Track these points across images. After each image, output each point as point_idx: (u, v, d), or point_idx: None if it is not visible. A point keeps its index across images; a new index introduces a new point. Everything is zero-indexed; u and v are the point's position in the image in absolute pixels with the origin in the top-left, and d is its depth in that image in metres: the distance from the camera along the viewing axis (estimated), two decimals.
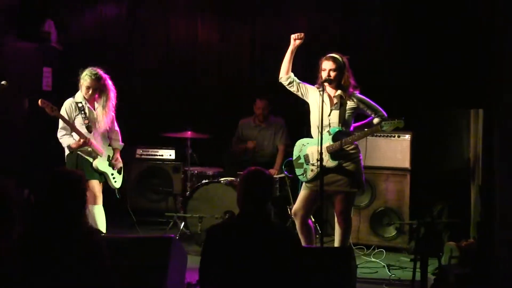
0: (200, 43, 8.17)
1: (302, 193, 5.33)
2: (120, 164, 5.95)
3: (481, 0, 5.73)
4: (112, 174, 5.85)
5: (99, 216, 5.73)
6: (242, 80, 8.09)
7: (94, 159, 5.70)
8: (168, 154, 7.69)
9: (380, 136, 6.42)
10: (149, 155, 7.74)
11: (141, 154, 7.75)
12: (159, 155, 7.73)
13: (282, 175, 6.82)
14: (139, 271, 4.01)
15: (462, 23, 6.77)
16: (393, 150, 6.47)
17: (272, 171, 6.93)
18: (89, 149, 5.66)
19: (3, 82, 5.49)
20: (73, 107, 5.68)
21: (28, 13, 7.50)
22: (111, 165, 5.85)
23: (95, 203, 5.69)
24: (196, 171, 7.08)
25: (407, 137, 6.43)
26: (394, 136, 6.42)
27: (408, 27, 7.17)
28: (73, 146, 5.58)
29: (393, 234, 6.47)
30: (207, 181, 6.70)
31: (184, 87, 8.24)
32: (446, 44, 6.87)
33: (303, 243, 5.34)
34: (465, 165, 6.34)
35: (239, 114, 7.60)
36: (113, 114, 5.88)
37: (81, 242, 3.06)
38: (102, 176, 5.79)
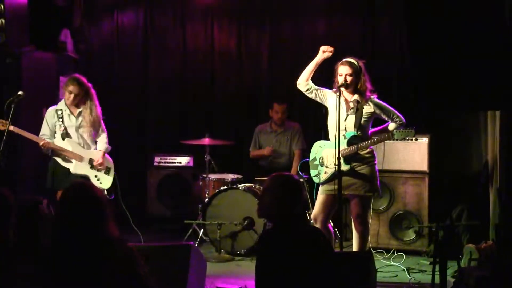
0: (217, 50, 8.20)
1: (320, 197, 5.34)
2: (104, 166, 5.98)
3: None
4: (96, 176, 5.91)
5: None
6: (260, 86, 8.10)
7: (71, 164, 5.81)
8: (186, 161, 7.72)
9: (398, 139, 6.41)
10: (168, 162, 7.78)
11: (159, 162, 7.79)
12: (178, 163, 7.76)
13: (300, 180, 6.82)
14: (159, 279, 4.03)
15: (479, 23, 6.75)
16: (411, 153, 6.45)
17: None
18: (64, 154, 5.78)
19: (20, 93, 5.55)
20: (52, 114, 5.88)
21: (44, 23, 7.59)
22: (94, 167, 5.91)
23: None
24: (214, 178, 7.10)
25: (425, 140, 6.40)
26: (412, 139, 6.39)
27: (422, 26, 7.15)
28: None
29: (413, 237, 6.44)
30: (225, 187, 6.72)
31: (201, 94, 8.27)
32: (464, 45, 6.84)
33: None
34: (483, 167, 6.31)
35: (257, 120, 7.63)
36: (102, 118, 6.04)
37: (114, 255, 2.98)
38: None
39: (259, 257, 3.42)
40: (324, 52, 5.34)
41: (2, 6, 6.60)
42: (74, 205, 3.04)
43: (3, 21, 6.62)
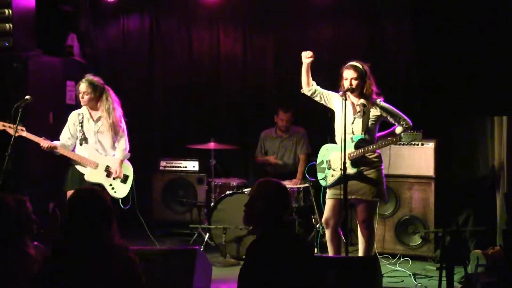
0: (223, 54, 8.20)
1: (329, 202, 5.33)
2: (121, 176, 5.86)
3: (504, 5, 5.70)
4: (111, 185, 5.80)
5: None
6: (266, 91, 8.09)
7: (86, 170, 5.76)
8: (192, 165, 7.72)
9: (402, 144, 6.39)
10: (173, 167, 7.78)
11: (165, 166, 7.79)
12: (183, 167, 7.76)
13: (306, 184, 6.82)
14: (164, 283, 4.03)
15: (487, 28, 6.74)
16: (417, 158, 6.43)
17: (295, 180, 6.94)
18: (78, 160, 5.72)
19: (27, 97, 5.56)
20: (74, 118, 5.83)
21: (51, 28, 7.62)
22: (109, 175, 5.82)
23: None
24: (220, 182, 7.10)
25: (431, 145, 6.38)
26: (418, 144, 6.37)
27: (429, 32, 7.15)
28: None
29: (419, 242, 6.42)
30: (231, 192, 6.72)
31: (207, 98, 8.27)
32: (470, 50, 6.84)
33: (331, 253, 5.35)
34: (490, 172, 6.29)
35: (263, 125, 7.62)
36: (123, 124, 5.92)
37: (113, 262, 2.98)
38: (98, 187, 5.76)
39: (244, 266, 3.39)
40: (307, 58, 5.31)
41: (10, 11, 6.64)
42: (77, 209, 3.06)
43: (11, 25, 6.66)
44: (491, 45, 6.76)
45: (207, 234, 6.74)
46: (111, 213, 3.12)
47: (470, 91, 6.81)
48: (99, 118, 5.81)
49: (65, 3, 7.90)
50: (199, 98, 8.28)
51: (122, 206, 5.85)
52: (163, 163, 7.80)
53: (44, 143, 5.64)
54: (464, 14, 6.83)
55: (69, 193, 5.72)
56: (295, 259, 3.28)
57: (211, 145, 7.05)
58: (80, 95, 5.76)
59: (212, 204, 6.79)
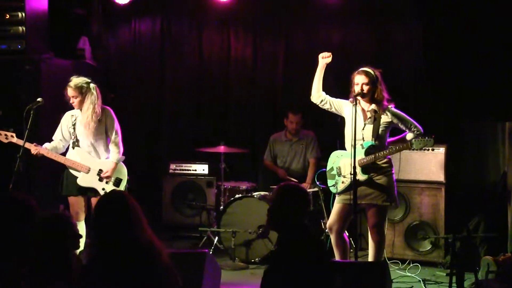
0: (233, 58, 8.21)
1: (336, 206, 5.32)
2: (111, 178, 5.74)
3: None
4: (104, 189, 5.67)
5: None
6: (275, 95, 8.10)
7: (79, 174, 5.70)
8: (202, 169, 7.73)
9: (413, 150, 6.37)
10: (183, 170, 7.79)
11: (175, 169, 7.80)
12: (193, 170, 7.77)
13: (315, 189, 6.81)
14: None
15: (497, 33, 6.73)
16: (428, 164, 6.41)
17: (304, 185, 6.93)
18: (69, 164, 5.68)
19: (39, 99, 5.58)
20: (67, 119, 5.78)
21: (63, 31, 7.66)
22: (102, 179, 5.72)
23: (76, 219, 5.59)
24: (229, 186, 7.10)
25: (442, 150, 6.36)
26: (428, 149, 6.35)
27: (438, 36, 7.14)
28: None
29: (428, 248, 6.40)
30: (240, 195, 6.72)
31: (217, 102, 8.29)
32: (480, 56, 6.82)
33: (338, 258, 5.33)
34: (501, 178, 6.25)
35: (272, 128, 7.63)
36: (116, 125, 5.81)
37: (151, 267, 2.95)
38: (90, 192, 5.73)
39: (266, 277, 3.41)
40: (324, 58, 5.34)
41: (23, 14, 6.68)
42: (105, 215, 3.01)
43: (24, 28, 6.70)
44: (501, 50, 6.75)
45: (216, 238, 6.75)
46: (140, 216, 3.05)
47: (481, 96, 6.80)
48: (82, 117, 5.67)
49: (77, 6, 7.95)
50: (209, 102, 8.30)
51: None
52: (172, 166, 7.81)
53: (34, 149, 5.58)
54: (474, 18, 6.83)
55: (71, 198, 5.75)
56: (317, 262, 3.30)
57: (221, 148, 7.07)
58: (70, 101, 5.65)
59: (222, 207, 6.79)
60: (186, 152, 7.91)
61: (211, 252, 6.28)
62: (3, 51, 6.77)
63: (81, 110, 5.68)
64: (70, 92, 5.62)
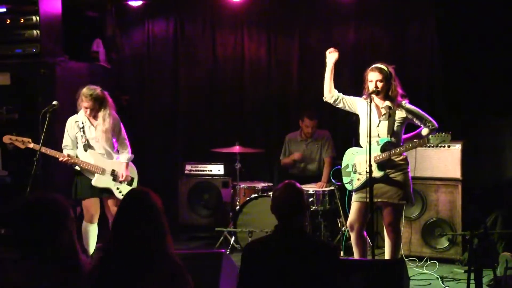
0: (247, 58, 8.20)
1: (354, 205, 5.31)
2: (128, 178, 5.93)
3: None
4: (118, 188, 5.86)
5: (92, 235, 5.85)
6: (290, 95, 8.09)
7: (93, 176, 5.79)
8: (217, 169, 7.74)
9: (429, 146, 6.33)
10: (198, 170, 7.80)
11: (190, 170, 7.82)
12: (208, 171, 7.78)
13: (331, 187, 6.80)
14: None
15: None
16: (444, 160, 6.36)
17: (320, 183, 6.92)
18: (85, 167, 5.75)
19: (54, 102, 5.63)
20: (72, 125, 5.83)
21: (77, 33, 7.70)
22: (116, 179, 5.88)
23: (90, 221, 5.82)
24: (245, 186, 7.11)
25: (458, 146, 6.31)
26: (445, 146, 6.30)
27: (453, 33, 7.09)
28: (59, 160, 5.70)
29: (446, 245, 6.36)
30: (256, 195, 6.73)
31: (231, 102, 8.29)
32: (495, 52, 6.77)
33: (357, 256, 5.32)
34: None
35: (287, 128, 7.62)
36: (122, 127, 5.94)
37: (160, 273, 2.91)
38: (105, 193, 5.86)
39: (241, 268, 3.43)
40: (330, 53, 5.33)
41: (37, 18, 6.73)
42: (129, 215, 2.98)
43: (38, 32, 6.75)
44: None
45: (233, 237, 6.75)
46: (159, 220, 3.04)
47: (497, 92, 6.74)
48: (96, 124, 5.79)
49: (91, 9, 7.99)
50: (224, 102, 8.30)
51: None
52: (188, 167, 7.83)
53: (63, 157, 5.66)
54: (491, 11, 6.76)
55: (86, 202, 5.84)
56: (315, 263, 3.28)
57: (236, 148, 7.07)
58: (85, 110, 5.72)
59: (238, 207, 6.80)
60: (202, 153, 7.92)
61: (227, 252, 6.29)
62: (18, 55, 6.83)
63: (94, 117, 5.78)
64: (87, 103, 5.68)
